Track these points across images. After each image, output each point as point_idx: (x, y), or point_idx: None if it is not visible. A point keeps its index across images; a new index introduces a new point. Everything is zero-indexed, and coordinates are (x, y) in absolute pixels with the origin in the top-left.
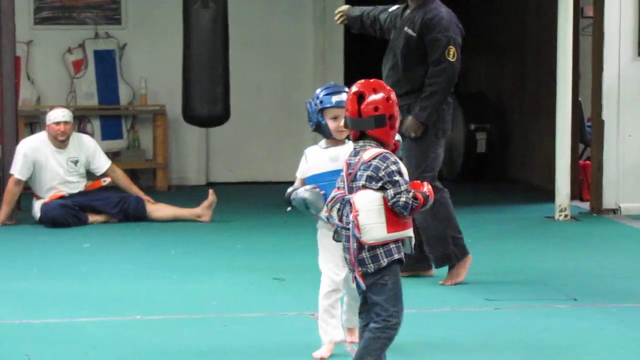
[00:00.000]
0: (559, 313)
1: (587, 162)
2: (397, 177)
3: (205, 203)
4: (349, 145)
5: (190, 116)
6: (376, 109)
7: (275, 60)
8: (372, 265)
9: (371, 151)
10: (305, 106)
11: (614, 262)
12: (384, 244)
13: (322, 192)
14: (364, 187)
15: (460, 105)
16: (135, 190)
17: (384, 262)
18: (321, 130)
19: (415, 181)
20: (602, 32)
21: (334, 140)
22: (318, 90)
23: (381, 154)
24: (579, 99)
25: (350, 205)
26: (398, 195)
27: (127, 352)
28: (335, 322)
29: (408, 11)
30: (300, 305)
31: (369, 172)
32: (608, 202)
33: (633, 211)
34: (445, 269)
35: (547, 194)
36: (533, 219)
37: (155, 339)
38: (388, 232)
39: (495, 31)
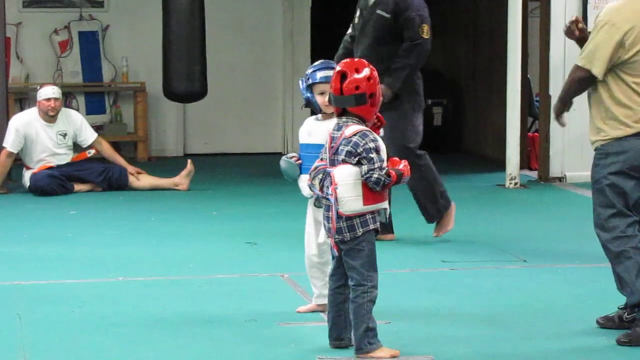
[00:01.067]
0: (510, 273)
1: (536, 134)
2: (373, 155)
3: (184, 172)
4: (333, 121)
5: (171, 93)
6: (357, 87)
7: (247, 41)
8: (348, 234)
9: (352, 128)
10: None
11: (560, 226)
12: (361, 215)
13: (299, 161)
14: (344, 161)
15: None
16: (120, 161)
17: (360, 231)
18: (311, 105)
19: (393, 158)
20: (549, 13)
21: (326, 115)
22: (309, 69)
23: (361, 131)
24: (528, 75)
25: (330, 177)
26: (371, 172)
27: (110, 311)
28: (319, 285)
29: None
30: (271, 268)
31: (348, 148)
32: (554, 171)
33: (577, 179)
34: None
35: (499, 164)
36: (485, 187)
37: (136, 299)
38: (364, 205)
39: (449, 13)
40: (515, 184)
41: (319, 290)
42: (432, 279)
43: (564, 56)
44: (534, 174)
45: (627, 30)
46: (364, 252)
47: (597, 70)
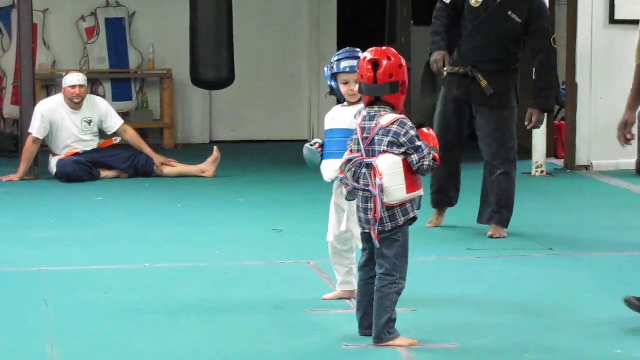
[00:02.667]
0: (536, 262)
1: (562, 122)
2: (419, 142)
3: (210, 159)
4: (356, 107)
5: (198, 80)
6: (391, 75)
7: (274, 29)
8: (389, 224)
9: (388, 117)
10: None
11: (586, 214)
12: (402, 204)
13: (319, 148)
14: (385, 151)
15: None
16: (146, 150)
17: (401, 220)
18: (335, 93)
19: (421, 130)
20: (576, 1)
21: (351, 103)
22: (334, 56)
23: (398, 119)
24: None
25: (371, 168)
26: (422, 160)
27: (136, 298)
28: (342, 272)
29: None
30: (297, 255)
31: (389, 138)
32: (581, 159)
33: (604, 167)
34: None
35: (525, 152)
36: None
37: (162, 285)
38: (407, 193)
39: None
40: (542, 172)
41: (343, 277)
42: (458, 267)
43: (590, 44)
44: (560, 162)
45: None
46: (399, 242)
47: None
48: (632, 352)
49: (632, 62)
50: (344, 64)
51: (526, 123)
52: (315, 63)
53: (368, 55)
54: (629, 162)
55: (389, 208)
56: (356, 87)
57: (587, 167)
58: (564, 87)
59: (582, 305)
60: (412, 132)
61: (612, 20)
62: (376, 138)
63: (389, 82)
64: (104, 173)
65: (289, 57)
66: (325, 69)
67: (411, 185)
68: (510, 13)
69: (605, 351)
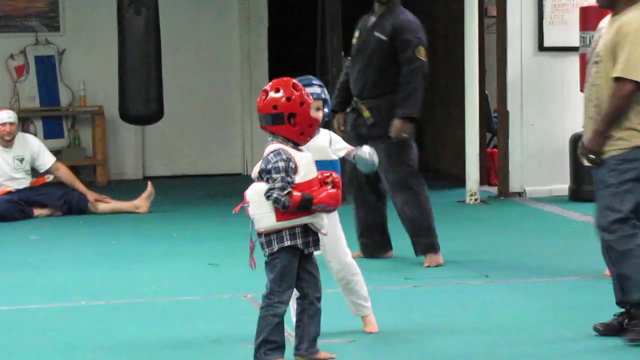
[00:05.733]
0: (472, 289)
1: (494, 149)
2: (278, 174)
3: (144, 194)
4: (319, 137)
5: (127, 115)
6: (275, 107)
7: (204, 63)
8: (267, 249)
9: (272, 146)
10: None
11: (521, 240)
12: (277, 231)
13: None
14: (258, 179)
15: None
16: (79, 186)
17: (275, 247)
18: None
19: (317, 181)
20: (505, 30)
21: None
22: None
23: (277, 150)
24: (486, 91)
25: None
26: (271, 190)
27: (74, 336)
28: (353, 299)
29: (374, 18)
30: (234, 288)
31: (262, 165)
32: (514, 186)
33: (536, 194)
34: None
35: (458, 180)
36: (446, 203)
37: (99, 323)
38: (277, 221)
39: None
40: (476, 199)
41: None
42: (395, 297)
43: (520, 72)
44: (493, 190)
45: None
46: (277, 268)
47: None
48: None
49: (561, 88)
50: (309, 90)
51: (391, 134)
52: (247, 96)
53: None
54: (562, 188)
55: (266, 234)
56: (319, 114)
57: (520, 194)
58: (496, 114)
59: (520, 330)
60: (280, 164)
61: (541, 48)
62: (258, 166)
63: (271, 113)
64: (37, 211)
65: (221, 90)
66: None
67: (282, 215)
68: (376, 33)
69: None
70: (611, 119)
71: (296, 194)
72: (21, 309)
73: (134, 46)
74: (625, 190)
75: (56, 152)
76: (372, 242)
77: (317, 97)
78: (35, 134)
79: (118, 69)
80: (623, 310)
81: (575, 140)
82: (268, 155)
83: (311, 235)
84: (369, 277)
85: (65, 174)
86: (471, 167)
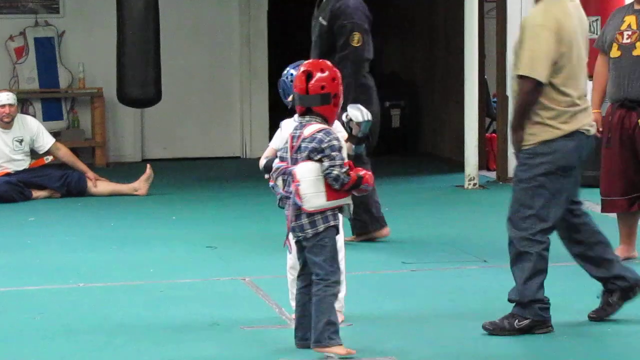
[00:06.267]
0: (470, 274)
1: (493, 134)
2: (335, 152)
3: (143, 177)
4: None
5: (125, 98)
6: (322, 87)
7: (204, 45)
8: (310, 230)
9: (314, 126)
10: (279, 84)
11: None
12: (322, 212)
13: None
14: (308, 158)
15: (375, 84)
16: (80, 166)
17: (321, 227)
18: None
19: (357, 167)
20: (505, 14)
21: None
22: (289, 67)
23: (324, 129)
24: (485, 77)
25: (292, 175)
26: (331, 168)
27: (71, 318)
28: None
29: (322, 2)
30: (231, 271)
31: (313, 144)
32: (513, 171)
33: None
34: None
35: (457, 165)
36: (444, 188)
37: (96, 305)
38: (327, 200)
39: (406, 14)
40: (474, 184)
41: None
42: (393, 281)
43: None
44: (492, 175)
45: (557, 31)
46: (327, 247)
47: (544, 75)
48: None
49: None
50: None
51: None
52: (246, 78)
53: (302, 67)
54: None
55: (309, 215)
56: None
57: None
58: (495, 99)
59: None
60: (335, 142)
61: None
62: (302, 145)
63: (320, 93)
64: (36, 193)
65: (220, 73)
66: (283, 82)
67: (332, 193)
68: (321, 19)
69: (540, 359)
70: (519, 114)
71: (352, 172)
72: (19, 291)
73: (133, 29)
74: (536, 185)
75: (55, 134)
76: (357, 221)
77: None
78: (34, 116)
79: (117, 51)
80: (602, 289)
81: None
82: (315, 134)
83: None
84: (366, 262)
85: (65, 153)
86: (470, 152)
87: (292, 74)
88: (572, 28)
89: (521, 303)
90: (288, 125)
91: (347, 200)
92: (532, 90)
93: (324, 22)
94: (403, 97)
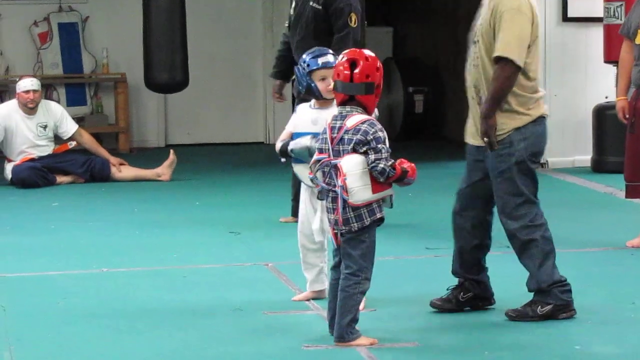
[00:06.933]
0: (493, 259)
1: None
2: (381, 144)
3: (166, 162)
4: (333, 110)
5: (152, 83)
6: (367, 76)
7: (228, 31)
8: (356, 224)
9: (357, 117)
10: (294, 72)
11: (543, 211)
12: (368, 204)
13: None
14: (354, 150)
15: (398, 69)
16: (102, 152)
17: (367, 221)
18: (312, 92)
19: (401, 158)
20: None
21: (323, 102)
22: (304, 56)
23: (369, 119)
24: None
25: (337, 169)
26: (378, 161)
27: (94, 302)
28: (314, 272)
29: None
30: (254, 257)
31: (358, 136)
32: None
33: (559, 165)
34: None
35: None
36: None
37: (119, 290)
38: (373, 193)
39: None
40: None
41: (313, 277)
42: (416, 266)
43: (544, 42)
44: None
45: (532, 16)
46: (365, 243)
47: (522, 60)
48: (590, 347)
49: (585, 59)
50: (321, 60)
51: None
52: (269, 65)
53: (346, 55)
54: (585, 159)
55: (355, 208)
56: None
57: (542, 165)
58: None
59: None
60: (380, 134)
61: (565, 18)
62: (345, 137)
63: (365, 82)
64: (60, 178)
65: (244, 59)
66: (296, 69)
67: (377, 185)
68: (311, 3)
69: (563, 347)
70: (496, 100)
71: (397, 165)
72: (42, 275)
73: (158, 13)
74: (518, 171)
75: (79, 120)
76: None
77: (332, 66)
78: (58, 101)
79: (143, 36)
80: (456, 284)
81: (599, 111)
82: (360, 125)
83: None
84: (389, 247)
85: (88, 140)
86: None
87: (305, 61)
88: (537, 12)
89: (541, 290)
90: (303, 110)
91: (391, 192)
92: (512, 74)
93: (318, 6)
94: (426, 82)
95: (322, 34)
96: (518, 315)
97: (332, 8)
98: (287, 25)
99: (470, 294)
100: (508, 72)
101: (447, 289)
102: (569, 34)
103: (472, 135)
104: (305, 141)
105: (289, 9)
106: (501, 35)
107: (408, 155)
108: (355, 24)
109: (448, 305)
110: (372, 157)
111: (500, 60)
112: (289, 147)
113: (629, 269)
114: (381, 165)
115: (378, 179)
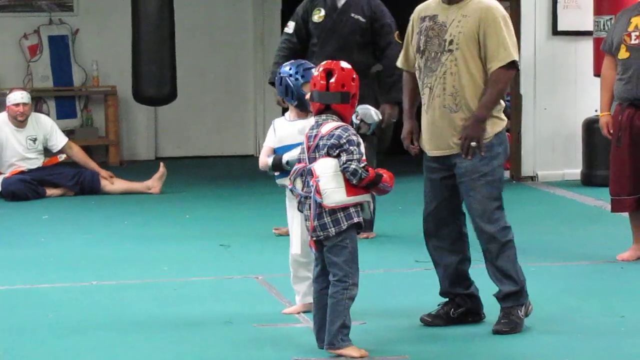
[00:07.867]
0: (483, 272)
1: (507, 133)
2: (353, 147)
3: (156, 175)
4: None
5: (140, 96)
6: (343, 85)
7: (218, 44)
8: (333, 229)
9: (332, 123)
10: (279, 82)
11: (533, 225)
12: (344, 208)
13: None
14: (327, 154)
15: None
16: (92, 165)
17: (345, 225)
18: (304, 103)
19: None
20: (519, 13)
21: (299, 113)
22: (288, 68)
23: (342, 125)
24: None
25: (311, 172)
26: (349, 162)
27: (85, 315)
28: (306, 284)
29: None
30: (244, 269)
31: (332, 141)
32: (526, 170)
33: (549, 178)
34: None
35: None
36: None
37: (110, 303)
38: (347, 196)
39: None
40: None
41: (305, 290)
42: (406, 279)
43: (534, 55)
44: (506, 173)
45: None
46: (347, 248)
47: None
48: (580, 359)
49: (575, 72)
50: (314, 72)
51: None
52: (260, 78)
53: (322, 66)
54: (575, 172)
55: (332, 212)
56: None
57: (532, 178)
58: (509, 98)
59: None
60: (353, 137)
61: (555, 32)
62: (320, 143)
63: (341, 91)
64: (50, 191)
65: (234, 72)
66: (287, 80)
67: (352, 189)
68: (353, 15)
69: (554, 359)
70: (494, 105)
71: (370, 168)
72: (32, 288)
73: (147, 26)
74: (497, 176)
75: (69, 132)
76: None
77: None
78: (48, 114)
79: (132, 49)
80: (447, 300)
81: (589, 124)
82: (334, 131)
83: None
84: (379, 260)
85: (77, 153)
86: None
87: (297, 72)
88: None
89: (520, 291)
90: (280, 124)
91: (367, 197)
92: (511, 79)
93: (362, 19)
94: None
95: (362, 47)
96: (512, 328)
97: (379, 24)
98: (290, 32)
99: (462, 309)
100: (511, 74)
101: (438, 305)
102: (558, 48)
103: (437, 147)
104: (299, 152)
105: (288, 19)
106: (499, 40)
107: (399, 168)
108: (398, 39)
109: (438, 322)
110: (343, 158)
111: (505, 66)
112: (284, 159)
113: (619, 283)
114: (353, 166)
115: (351, 180)
